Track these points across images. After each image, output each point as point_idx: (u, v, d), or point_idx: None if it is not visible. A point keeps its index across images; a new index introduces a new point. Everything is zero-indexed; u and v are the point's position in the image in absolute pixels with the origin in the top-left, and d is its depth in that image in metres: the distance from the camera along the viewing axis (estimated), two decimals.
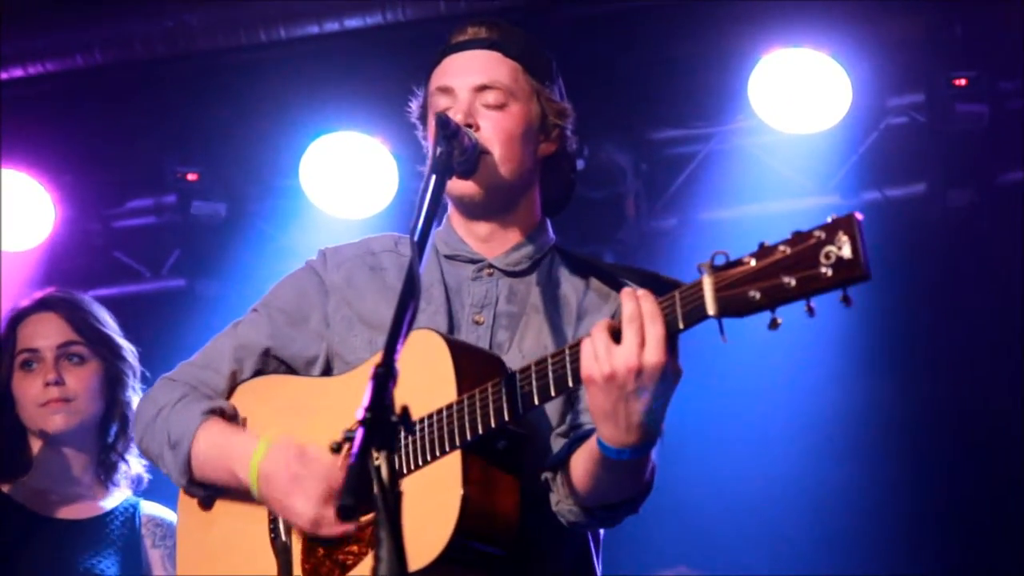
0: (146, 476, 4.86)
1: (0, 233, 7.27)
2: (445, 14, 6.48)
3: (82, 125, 7.36)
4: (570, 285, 3.56)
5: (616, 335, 2.96)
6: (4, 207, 7.27)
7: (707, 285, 2.82)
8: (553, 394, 3.09)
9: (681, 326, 2.89)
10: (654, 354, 2.91)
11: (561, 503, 3.30)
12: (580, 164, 6.94)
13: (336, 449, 3.08)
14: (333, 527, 3.30)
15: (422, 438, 3.19)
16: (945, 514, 6.86)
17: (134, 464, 4.84)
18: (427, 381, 3.19)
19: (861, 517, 6.93)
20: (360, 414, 2.55)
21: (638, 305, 2.95)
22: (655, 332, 2.91)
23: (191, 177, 7.34)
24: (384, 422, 2.55)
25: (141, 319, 5.04)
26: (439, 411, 3.18)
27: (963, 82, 6.59)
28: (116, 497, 4.83)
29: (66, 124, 7.34)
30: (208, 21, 6.75)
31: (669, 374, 2.95)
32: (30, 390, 4.76)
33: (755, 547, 6.95)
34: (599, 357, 2.95)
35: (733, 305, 2.78)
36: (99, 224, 7.76)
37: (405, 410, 2.58)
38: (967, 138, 6.69)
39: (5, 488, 4.77)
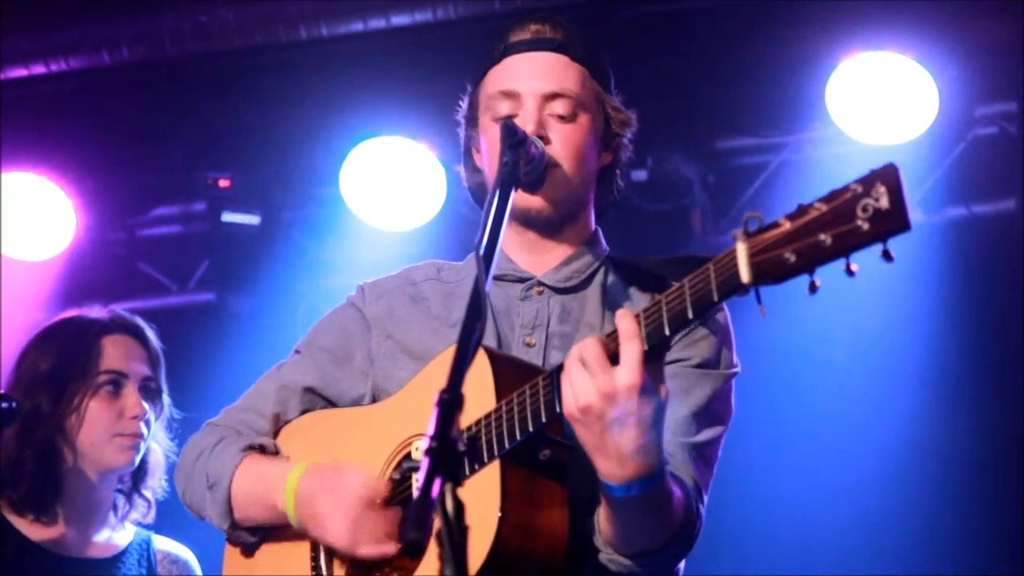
0: (152, 512, 4.80)
1: (15, 241, 7.31)
2: (499, 11, 6.48)
3: (106, 127, 7.34)
4: (626, 298, 3.55)
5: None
6: (22, 214, 7.27)
7: (741, 252, 2.77)
8: None
9: (716, 298, 2.82)
10: (627, 375, 2.90)
11: (602, 553, 3.25)
12: (643, 175, 7.02)
13: (398, 481, 3.07)
14: (370, 547, 3.30)
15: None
16: None
17: (148, 498, 4.78)
18: (467, 393, 3.16)
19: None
20: (425, 443, 2.54)
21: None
22: (628, 352, 2.90)
23: (223, 183, 7.35)
24: (451, 451, 2.54)
25: (167, 336, 4.98)
26: (477, 421, 3.16)
27: None
28: (128, 532, 4.78)
29: (89, 125, 7.32)
30: (244, 16, 6.75)
31: (650, 394, 2.92)
32: (107, 416, 4.61)
33: None
34: (574, 387, 2.95)
35: (768, 270, 2.74)
36: (123, 233, 7.77)
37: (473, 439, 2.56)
38: None
39: (14, 518, 4.61)
